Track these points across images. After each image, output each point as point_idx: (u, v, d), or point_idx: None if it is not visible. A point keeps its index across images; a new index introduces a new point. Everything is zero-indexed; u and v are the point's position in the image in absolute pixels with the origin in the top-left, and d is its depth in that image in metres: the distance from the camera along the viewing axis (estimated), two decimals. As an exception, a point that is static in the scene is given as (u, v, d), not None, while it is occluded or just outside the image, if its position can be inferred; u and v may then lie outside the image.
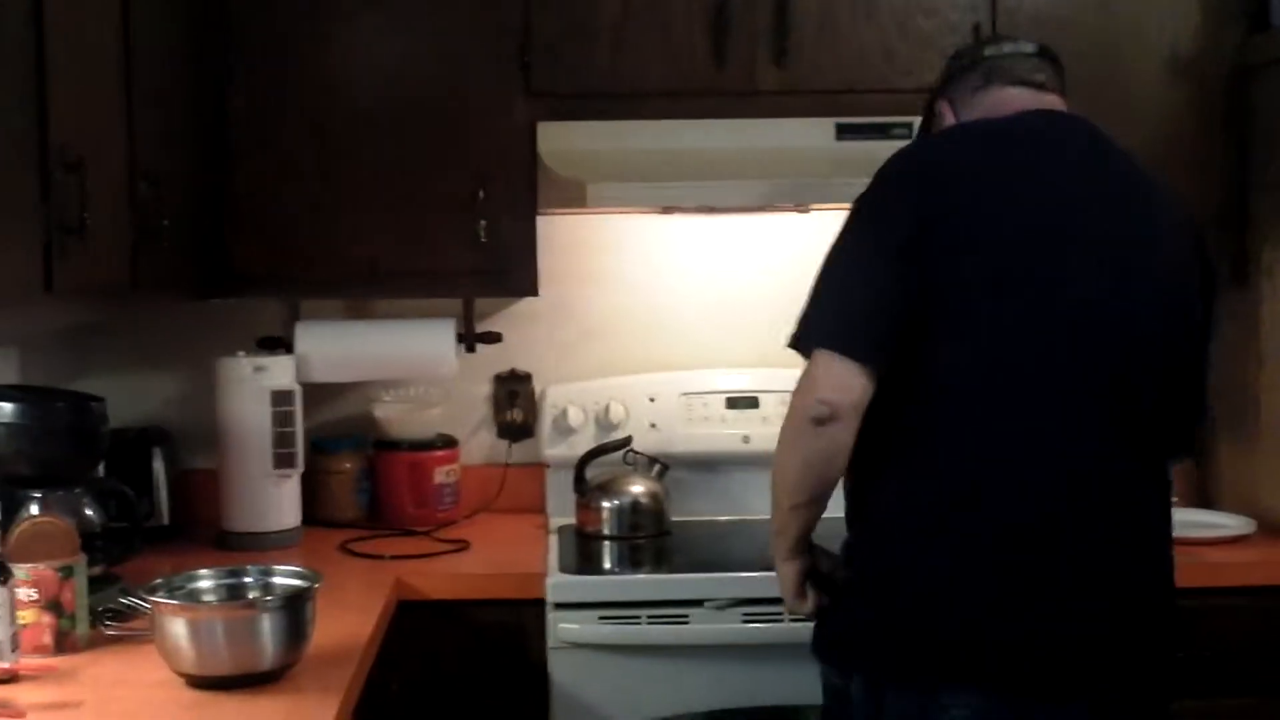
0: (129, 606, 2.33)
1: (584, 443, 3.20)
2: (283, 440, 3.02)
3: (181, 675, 2.07)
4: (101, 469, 2.65)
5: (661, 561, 3.01)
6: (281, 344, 3.20)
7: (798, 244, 3.31)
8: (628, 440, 3.15)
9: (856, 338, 1.98)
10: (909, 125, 2.97)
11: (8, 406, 2.39)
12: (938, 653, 1.96)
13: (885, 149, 2.90)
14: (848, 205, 3.14)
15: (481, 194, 2.95)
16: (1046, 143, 2.10)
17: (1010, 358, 1.98)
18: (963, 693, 1.94)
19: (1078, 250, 2.00)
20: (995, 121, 2.14)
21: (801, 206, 3.23)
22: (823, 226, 3.32)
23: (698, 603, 2.68)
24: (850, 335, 1.99)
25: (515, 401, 3.37)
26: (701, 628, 2.68)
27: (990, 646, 1.95)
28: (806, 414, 1.99)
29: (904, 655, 1.98)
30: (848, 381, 1.97)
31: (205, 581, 2.26)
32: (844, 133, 2.98)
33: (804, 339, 2.03)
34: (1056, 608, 1.96)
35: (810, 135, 2.98)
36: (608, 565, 2.96)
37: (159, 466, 3.11)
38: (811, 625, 2.18)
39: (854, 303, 2.01)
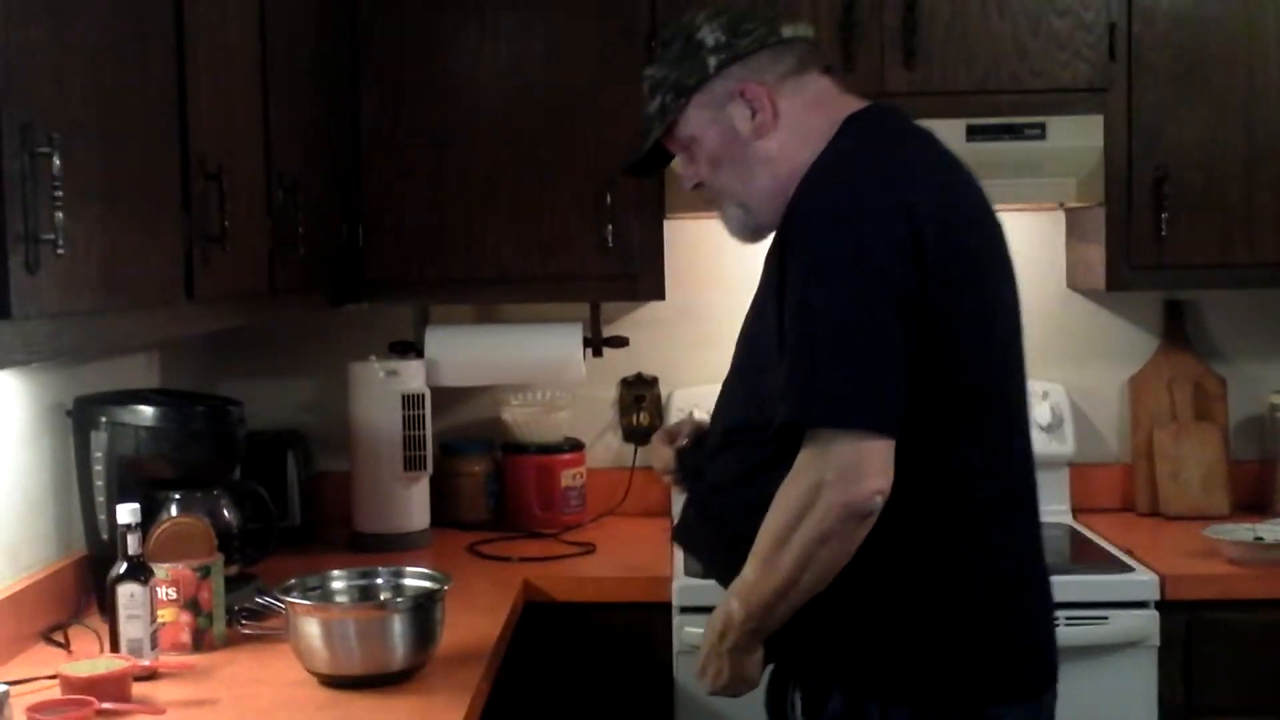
0: (264, 606, 2.38)
1: (710, 447, 3.18)
2: (413, 443, 3.06)
3: (314, 674, 2.11)
4: (238, 471, 2.71)
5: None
6: (412, 348, 3.24)
7: (927, 247, 3.27)
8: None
9: (885, 411, 1.77)
10: (1041, 125, 2.93)
11: (149, 410, 2.45)
12: (984, 673, 1.91)
13: (1016, 150, 2.93)
14: (978, 208, 3.16)
15: (609, 198, 2.96)
16: (944, 149, 1.99)
17: (1004, 385, 1.93)
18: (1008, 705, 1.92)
19: (1006, 272, 1.97)
20: (907, 129, 1.99)
21: (931, 209, 3.18)
22: (952, 229, 3.33)
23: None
24: (878, 408, 1.77)
25: (641, 405, 3.37)
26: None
27: (1024, 653, 1.96)
28: (859, 511, 1.76)
29: (951, 682, 1.90)
30: (888, 464, 1.77)
31: (338, 582, 2.29)
32: (974, 134, 2.94)
33: (823, 415, 1.77)
34: (1045, 606, 2.03)
35: (940, 136, 2.92)
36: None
37: (293, 469, 3.16)
38: None
39: (872, 368, 1.77)
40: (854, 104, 2.01)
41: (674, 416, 3.26)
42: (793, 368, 1.80)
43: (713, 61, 1.98)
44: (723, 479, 1.98)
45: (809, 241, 1.83)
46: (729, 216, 2.05)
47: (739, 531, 1.89)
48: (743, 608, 1.87)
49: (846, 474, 1.75)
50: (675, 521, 2.19)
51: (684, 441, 2.12)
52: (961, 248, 1.86)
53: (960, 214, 1.90)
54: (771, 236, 1.98)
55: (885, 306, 1.78)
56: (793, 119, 1.98)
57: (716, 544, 2.03)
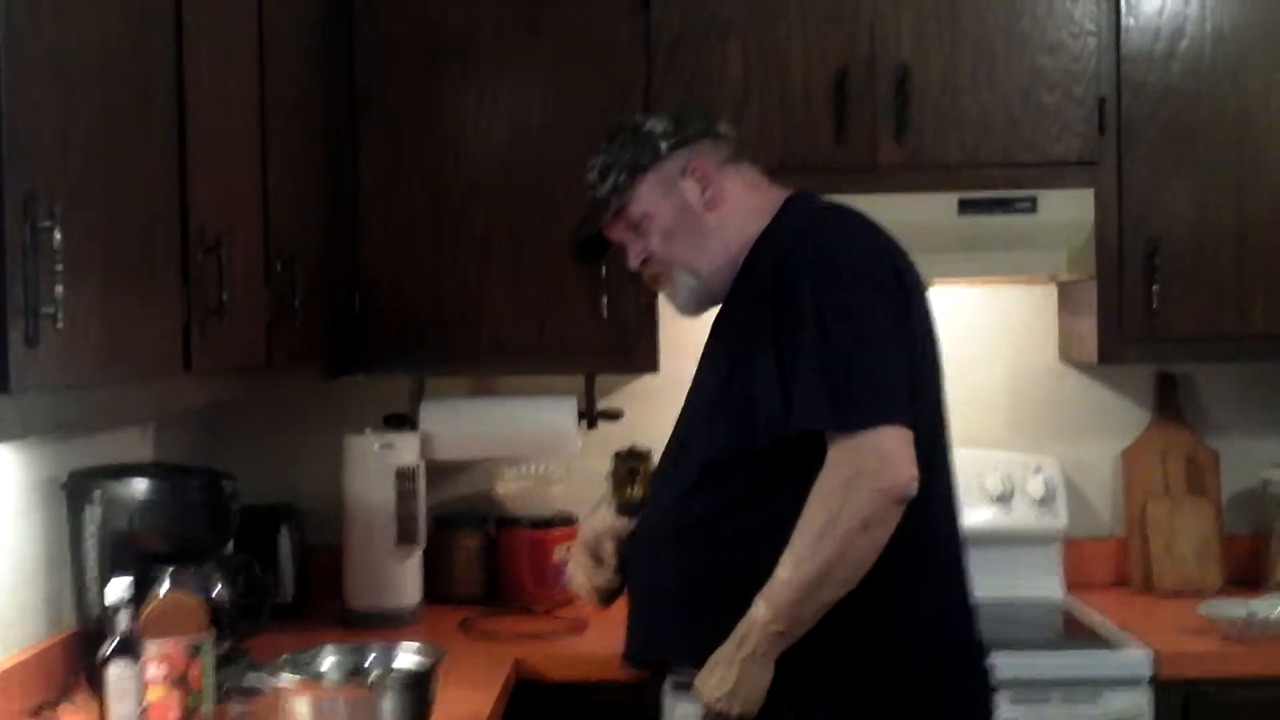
0: (254, 684, 2.35)
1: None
2: (406, 517, 3.04)
3: (306, 753, 2.08)
4: (231, 545, 2.69)
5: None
6: (407, 421, 3.24)
7: (920, 320, 3.29)
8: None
9: (906, 406, 1.94)
10: (1031, 199, 2.95)
11: (143, 484, 2.44)
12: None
13: (1007, 223, 2.95)
14: (970, 280, 3.20)
15: (604, 268, 2.97)
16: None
17: (941, 434, 2.10)
18: None
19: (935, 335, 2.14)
20: (845, 208, 2.16)
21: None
22: (945, 301, 3.33)
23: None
24: (903, 404, 1.94)
25: (635, 478, 3.36)
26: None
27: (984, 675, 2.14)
28: (898, 495, 1.90)
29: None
30: (914, 453, 1.93)
31: (329, 659, 2.27)
32: (966, 207, 2.96)
33: (857, 415, 1.91)
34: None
35: (931, 210, 2.96)
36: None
37: (285, 543, 3.14)
38: None
39: (890, 370, 1.95)
40: (786, 190, 2.21)
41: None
42: (815, 379, 1.93)
43: (664, 145, 2.16)
44: (708, 514, 2.06)
45: (816, 269, 1.98)
46: (679, 285, 2.19)
47: (729, 575, 2.00)
48: (770, 608, 1.94)
49: (885, 462, 1.90)
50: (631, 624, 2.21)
51: (613, 544, 2.20)
52: (920, 301, 2.08)
53: (915, 274, 2.10)
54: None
55: (889, 319, 1.97)
56: (737, 197, 2.17)
57: (706, 595, 2.06)
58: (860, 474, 1.89)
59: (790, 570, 1.92)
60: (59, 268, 1.50)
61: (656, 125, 2.18)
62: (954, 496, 2.11)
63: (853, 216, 2.11)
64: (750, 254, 2.12)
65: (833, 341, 1.93)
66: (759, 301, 2.04)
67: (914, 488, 1.90)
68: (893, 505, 1.90)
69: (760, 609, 1.95)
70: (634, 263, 2.22)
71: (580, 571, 2.25)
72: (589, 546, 2.25)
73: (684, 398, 3.34)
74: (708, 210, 2.15)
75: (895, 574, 1.95)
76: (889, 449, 1.90)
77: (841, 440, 1.91)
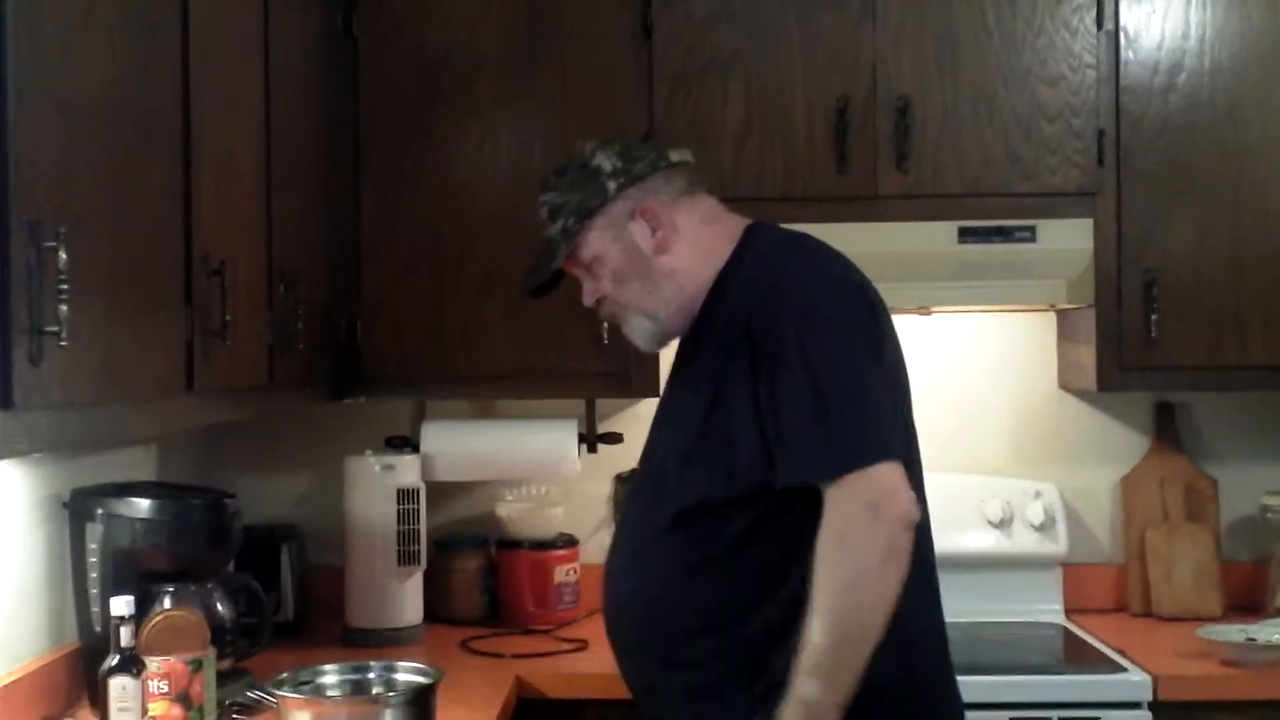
0: (256, 700, 2.37)
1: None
2: (407, 538, 3.07)
3: (306, 769, 2.10)
4: (232, 565, 2.71)
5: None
6: (408, 443, 3.26)
7: (920, 347, 3.30)
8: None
9: (898, 445, 1.93)
10: (1031, 228, 2.97)
11: (145, 503, 2.46)
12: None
13: (1007, 252, 2.97)
14: (970, 308, 3.22)
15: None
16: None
17: (917, 458, 2.07)
18: None
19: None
20: (806, 237, 2.12)
21: (924, 310, 3.23)
22: (945, 329, 3.37)
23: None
24: (893, 439, 1.93)
25: (636, 502, 3.38)
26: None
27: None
28: (907, 521, 1.87)
29: None
30: (909, 484, 1.90)
31: (330, 676, 2.29)
32: (966, 236, 2.98)
33: (853, 458, 1.87)
34: None
35: (932, 239, 2.98)
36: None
37: (287, 563, 3.16)
38: None
39: (882, 415, 1.92)
40: (744, 219, 2.16)
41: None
42: (806, 431, 1.89)
43: (611, 185, 2.11)
44: (669, 571, 2.03)
45: (797, 316, 1.93)
46: (636, 327, 2.17)
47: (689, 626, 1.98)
48: (820, 681, 1.85)
49: (887, 493, 1.86)
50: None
51: None
52: (890, 328, 2.05)
53: (880, 299, 2.06)
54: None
55: (872, 358, 1.96)
56: (692, 234, 2.12)
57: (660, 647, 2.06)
58: (866, 511, 1.85)
59: (825, 633, 1.84)
60: (63, 287, 1.53)
61: (605, 162, 2.12)
62: (929, 520, 2.07)
63: (820, 251, 2.07)
64: (713, 291, 2.08)
65: (822, 390, 1.88)
66: (730, 342, 1.99)
67: (917, 513, 1.89)
68: (904, 533, 1.86)
69: (809, 687, 1.85)
70: (588, 301, 2.20)
71: None
72: None
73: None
74: (658, 253, 2.11)
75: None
76: (888, 481, 1.87)
77: (838, 487, 1.87)
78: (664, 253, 2.11)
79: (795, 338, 1.91)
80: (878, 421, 1.91)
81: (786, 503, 1.93)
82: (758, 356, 1.94)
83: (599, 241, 2.12)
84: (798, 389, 1.89)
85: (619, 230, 2.11)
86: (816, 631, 1.84)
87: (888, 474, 1.87)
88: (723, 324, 2.03)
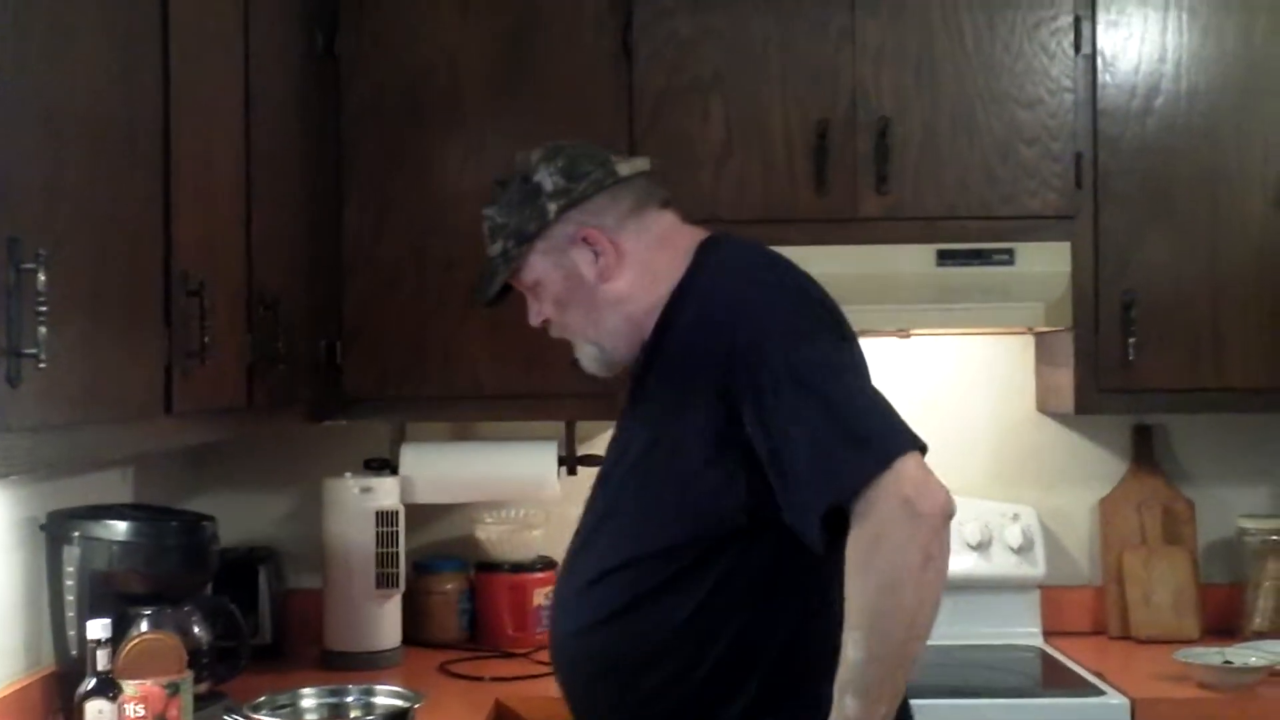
0: (233, 723, 2.36)
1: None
2: (385, 560, 3.05)
3: (283, 794, 2.09)
4: (210, 587, 2.69)
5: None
6: (387, 465, 3.25)
7: (899, 369, 3.31)
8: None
9: (914, 434, 1.79)
10: (1009, 251, 2.99)
11: (122, 525, 2.44)
12: None
13: (985, 274, 2.98)
14: (948, 330, 3.23)
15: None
16: None
17: None
18: None
19: None
20: (759, 249, 2.01)
21: (902, 332, 3.24)
22: (924, 352, 3.38)
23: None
24: (911, 433, 1.78)
25: (615, 524, 3.37)
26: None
27: None
28: (946, 512, 1.72)
29: None
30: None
31: (308, 700, 2.29)
32: (944, 259, 2.99)
33: (881, 456, 1.72)
34: None
35: (911, 261, 2.99)
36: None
37: (264, 585, 3.14)
38: None
39: (889, 405, 1.81)
40: (700, 232, 2.04)
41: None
42: (817, 445, 1.75)
43: (552, 208, 1.99)
44: (602, 613, 1.93)
45: (768, 335, 1.82)
46: (583, 353, 2.08)
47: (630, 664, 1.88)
48: (865, 699, 1.72)
49: (919, 486, 1.72)
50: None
51: None
52: (851, 333, 1.94)
53: (838, 306, 1.96)
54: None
55: (858, 356, 1.88)
56: (640, 258, 1.99)
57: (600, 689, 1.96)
58: (901, 509, 1.71)
59: (862, 645, 1.72)
60: (42, 309, 1.52)
61: (546, 180, 2.00)
62: None
63: (780, 264, 1.96)
64: (664, 316, 1.95)
65: (821, 391, 1.78)
66: (688, 376, 1.88)
67: (954, 504, 1.74)
68: (944, 526, 1.72)
69: (850, 705, 1.72)
70: (534, 322, 2.11)
71: None
72: None
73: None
74: (602, 280, 1.99)
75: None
76: (915, 473, 1.73)
77: (865, 495, 1.71)
78: (608, 280, 1.99)
79: (783, 363, 1.79)
80: (887, 415, 1.78)
81: (743, 539, 1.85)
82: (736, 391, 1.82)
83: (540, 265, 2.02)
84: (803, 410, 1.77)
85: (560, 255, 2.00)
86: (852, 645, 1.72)
87: (915, 467, 1.73)
88: (677, 350, 1.92)
